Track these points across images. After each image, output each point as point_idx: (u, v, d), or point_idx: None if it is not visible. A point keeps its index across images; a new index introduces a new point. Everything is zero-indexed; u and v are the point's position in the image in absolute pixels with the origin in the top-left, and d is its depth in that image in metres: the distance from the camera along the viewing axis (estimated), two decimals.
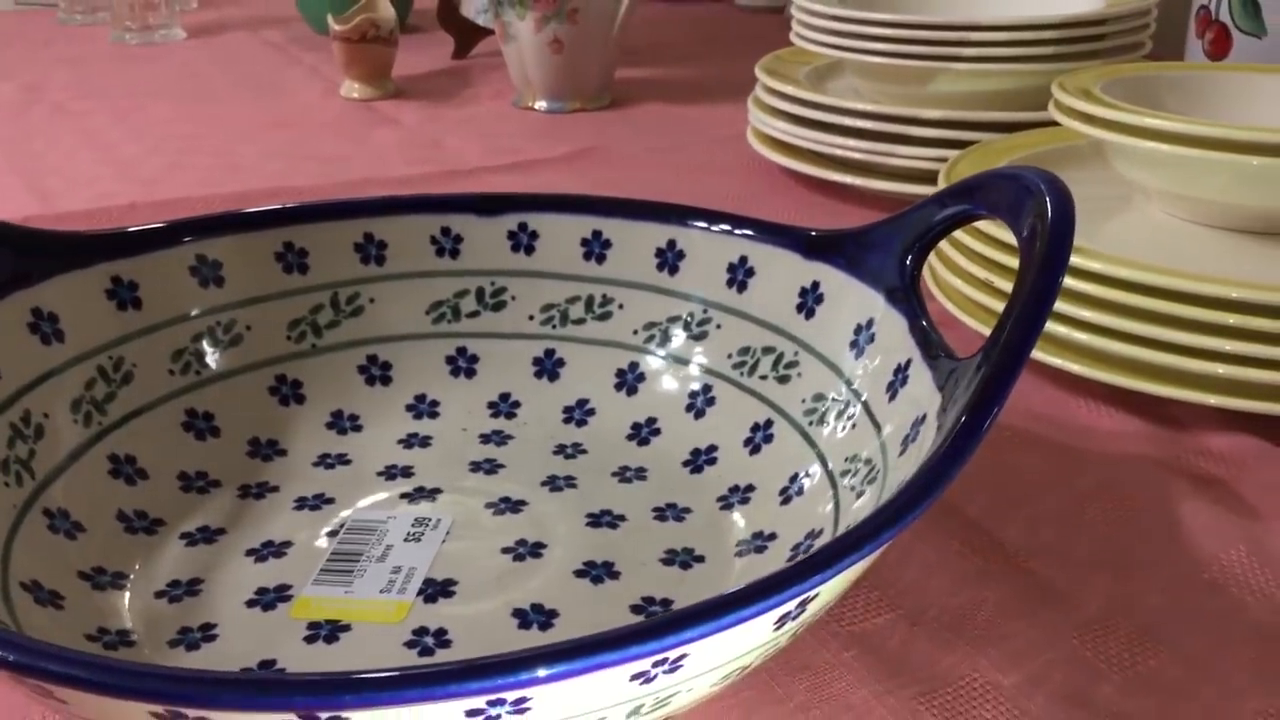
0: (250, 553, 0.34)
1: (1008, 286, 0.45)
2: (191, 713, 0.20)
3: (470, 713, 0.21)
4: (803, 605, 0.23)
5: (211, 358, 0.39)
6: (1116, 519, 0.37)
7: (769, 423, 0.37)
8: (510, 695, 0.20)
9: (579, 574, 0.33)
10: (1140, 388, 0.42)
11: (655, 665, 0.21)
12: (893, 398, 0.33)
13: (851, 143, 0.64)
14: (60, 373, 0.35)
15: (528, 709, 0.21)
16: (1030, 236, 0.29)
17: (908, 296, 0.34)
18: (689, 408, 0.40)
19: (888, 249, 0.35)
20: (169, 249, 0.39)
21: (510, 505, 0.36)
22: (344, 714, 0.20)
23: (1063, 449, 0.41)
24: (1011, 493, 0.38)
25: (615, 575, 0.33)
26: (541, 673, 0.20)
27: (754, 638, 0.23)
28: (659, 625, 0.21)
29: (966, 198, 0.32)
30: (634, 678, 0.21)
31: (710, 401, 0.39)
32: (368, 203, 0.43)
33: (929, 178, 0.62)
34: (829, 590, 0.24)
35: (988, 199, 0.31)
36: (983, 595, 0.34)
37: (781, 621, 0.23)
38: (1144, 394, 0.43)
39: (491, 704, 0.20)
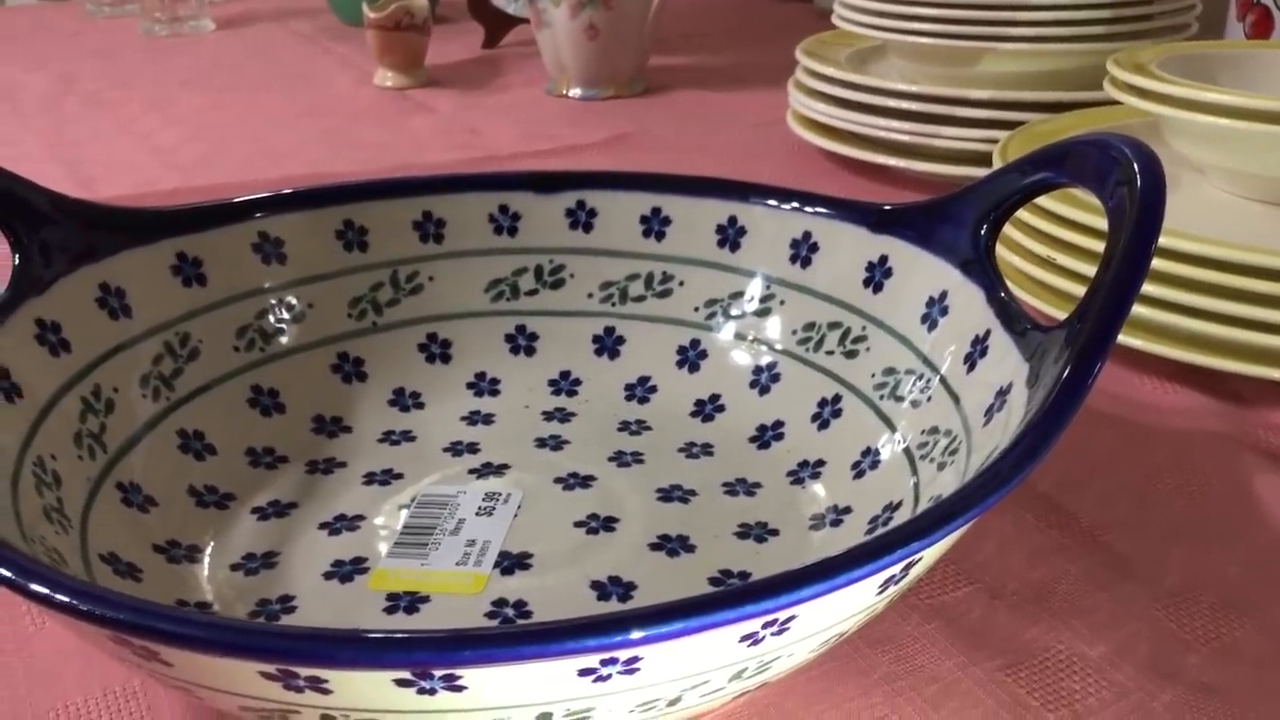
0: (323, 526, 0.34)
1: (1070, 263, 0.44)
2: (304, 671, 0.20)
3: (583, 671, 0.20)
4: (907, 569, 0.23)
5: (275, 335, 0.39)
6: (1189, 493, 0.37)
7: (837, 398, 0.37)
8: (624, 654, 0.20)
9: (654, 547, 0.33)
10: (1204, 362, 0.42)
11: (765, 626, 0.21)
12: (971, 369, 0.32)
13: (897, 124, 0.64)
14: (129, 347, 0.35)
15: (638, 669, 0.21)
16: (1119, 204, 0.28)
17: (984, 268, 0.33)
18: (753, 384, 0.39)
19: (961, 221, 0.34)
20: (232, 225, 0.39)
21: (579, 480, 0.36)
22: (458, 671, 0.20)
23: (1130, 425, 0.41)
24: (1082, 468, 0.38)
25: (690, 548, 0.33)
26: (659, 630, 0.20)
27: (858, 601, 0.23)
28: (773, 584, 0.20)
29: (1048, 166, 0.32)
30: (743, 639, 0.21)
31: (775, 378, 0.39)
32: (426, 180, 0.42)
33: (975, 159, 0.62)
34: (932, 554, 0.23)
35: (1071, 167, 0.31)
36: (1062, 568, 0.33)
37: (885, 586, 0.23)
38: (1207, 370, 0.43)
39: (605, 663, 0.20)
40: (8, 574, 0.21)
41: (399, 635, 0.19)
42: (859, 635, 0.30)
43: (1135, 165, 0.29)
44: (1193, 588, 0.33)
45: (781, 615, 0.21)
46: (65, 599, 0.20)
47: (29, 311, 0.33)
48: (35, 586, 0.21)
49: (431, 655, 0.19)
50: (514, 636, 0.19)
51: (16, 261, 0.33)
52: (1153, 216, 0.27)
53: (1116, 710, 0.28)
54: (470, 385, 0.41)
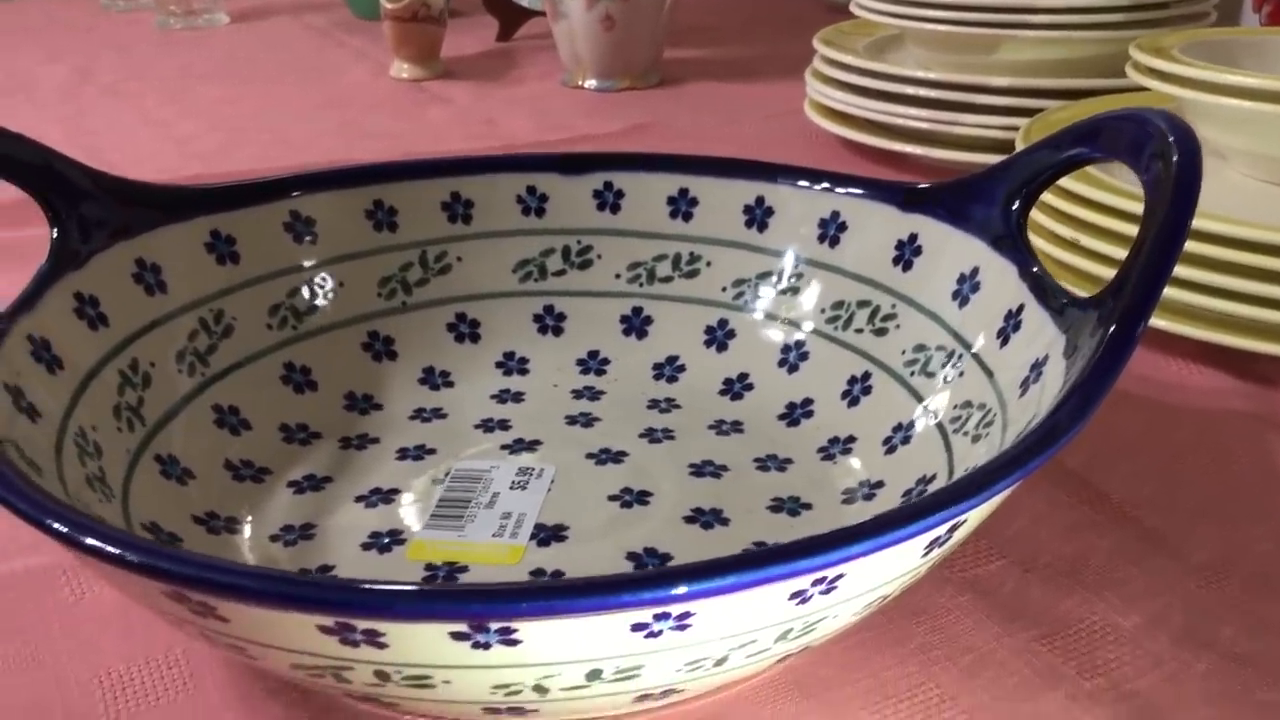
0: (359, 499, 0.34)
1: (1096, 245, 0.45)
2: (363, 624, 0.20)
3: (636, 626, 0.21)
4: (952, 530, 0.23)
5: (306, 313, 0.39)
6: (1217, 471, 0.37)
7: (867, 375, 0.37)
8: (677, 609, 0.20)
9: (688, 520, 0.33)
10: (1230, 342, 0.42)
11: (814, 584, 0.21)
12: (1005, 344, 0.32)
13: (916, 112, 0.64)
14: (164, 323, 0.36)
15: (689, 625, 0.21)
16: (1155, 177, 0.28)
17: (1016, 243, 0.34)
18: (782, 363, 0.40)
19: (991, 198, 0.35)
20: (264, 204, 0.39)
21: (611, 456, 0.36)
22: (515, 624, 0.20)
23: (1156, 405, 0.41)
24: (1110, 447, 0.38)
25: (724, 521, 0.33)
26: (714, 583, 0.20)
27: (904, 562, 0.23)
28: (825, 541, 0.21)
29: (1082, 141, 0.32)
30: (792, 596, 0.21)
31: (804, 356, 0.39)
32: (455, 162, 0.43)
33: (994, 146, 0.62)
34: (977, 516, 0.24)
35: (1105, 142, 0.31)
36: (1093, 543, 0.33)
37: (931, 547, 0.23)
38: (1233, 352, 0.43)
39: (658, 618, 0.20)
40: (62, 529, 0.21)
41: (458, 588, 0.20)
42: (894, 606, 0.30)
43: (1171, 138, 0.29)
44: (1223, 562, 0.33)
45: (831, 573, 0.21)
46: (128, 555, 0.20)
47: (68, 285, 0.33)
48: (91, 540, 0.21)
49: (490, 607, 0.19)
50: (571, 589, 0.20)
51: (55, 235, 0.34)
52: (1190, 186, 0.27)
53: (1152, 679, 0.28)
54: (499, 364, 0.41)
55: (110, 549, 0.21)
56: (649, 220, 0.42)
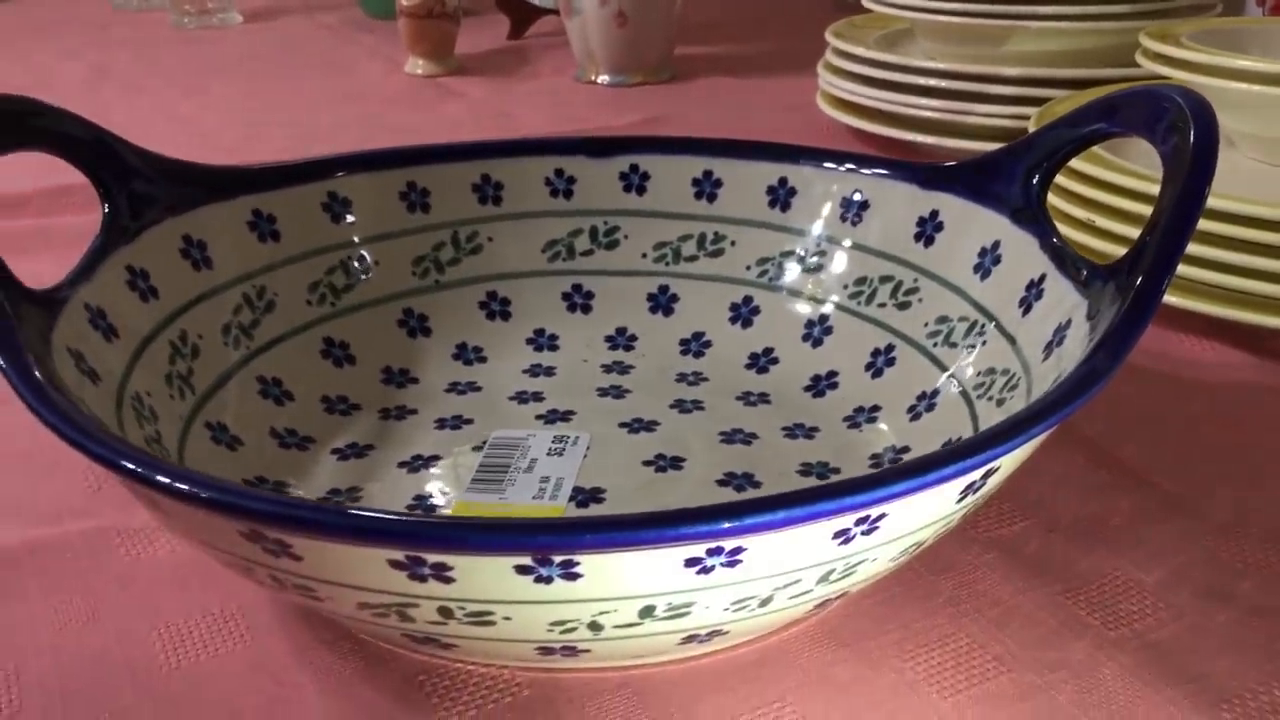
0: (402, 465, 0.35)
1: (1111, 226, 0.46)
2: (433, 557, 0.21)
3: (689, 561, 0.22)
4: (986, 475, 0.24)
5: (344, 290, 0.41)
6: (1232, 439, 0.38)
7: (890, 347, 0.38)
8: (730, 543, 0.21)
9: (721, 483, 0.34)
10: (1240, 318, 0.43)
11: (858, 523, 0.22)
12: (1027, 312, 0.33)
13: (929, 102, 0.65)
14: (210, 297, 0.37)
15: (739, 561, 0.22)
16: (1172, 148, 0.30)
17: (1036, 216, 0.35)
18: (806, 337, 0.41)
19: (1011, 175, 0.36)
20: (303, 185, 0.40)
21: (643, 425, 0.37)
22: (577, 556, 0.21)
23: (1170, 379, 0.42)
24: (1126, 417, 0.39)
25: (757, 485, 0.34)
26: (766, 517, 0.21)
27: (941, 506, 0.24)
28: (869, 480, 0.22)
29: (1099, 118, 0.33)
30: (835, 535, 0.23)
31: (828, 331, 0.40)
32: (484, 145, 0.44)
33: (1004, 136, 0.63)
34: (1011, 461, 0.25)
35: (1122, 117, 0.32)
36: (1114, 505, 0.35)
37: (965, 493, 0.24)
38: (1244, 327, 0.44)
39: (710, 553, 0.22)
40: (139, 469, 0.23)
41: (525, 521, 0.21)
42: (921, 562, 0.32)
43: (1187, 110, 0.30)
44: (1241, 522, 0.34)
45: (874, 511, 0.22)
46: (206, 493, 0.21)
47: (120, 259, 0.34)
48: (170, 480, 0.22)
49: (556, 538, 0.20)
50: (632, 521, 0.21)
51: (106, 211, 0.35)
52: (1207, 155, 0.28)
53: (1174, 629, 0.29)
54: (530, 341, 0.43)
55: (188, 488, 0.22)
56: (674, 201, 0.43)
